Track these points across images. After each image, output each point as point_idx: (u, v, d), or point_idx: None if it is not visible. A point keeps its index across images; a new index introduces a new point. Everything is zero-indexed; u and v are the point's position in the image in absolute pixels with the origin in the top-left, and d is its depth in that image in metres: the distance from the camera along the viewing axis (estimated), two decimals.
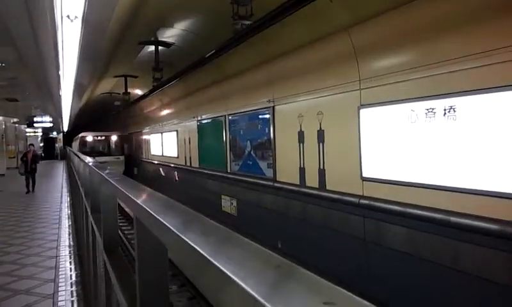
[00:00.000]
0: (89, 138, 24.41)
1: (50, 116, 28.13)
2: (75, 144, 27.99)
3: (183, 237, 0.74)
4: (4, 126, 23.29)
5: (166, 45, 9.84)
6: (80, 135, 24.80)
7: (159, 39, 9.62)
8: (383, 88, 5.15)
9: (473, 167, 4.09)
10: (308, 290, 0.48)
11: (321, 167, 6.48)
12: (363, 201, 5.47)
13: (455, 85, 4.18)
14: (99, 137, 24.41)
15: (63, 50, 8.56)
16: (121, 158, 23.61)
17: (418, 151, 4.72)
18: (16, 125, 27.33)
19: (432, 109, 4.47)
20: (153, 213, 0.95)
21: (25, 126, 31.97)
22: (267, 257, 0.61)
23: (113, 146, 24.27)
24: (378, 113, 5.26)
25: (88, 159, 5.46)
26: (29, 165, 14.60)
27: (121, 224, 11.93)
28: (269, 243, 7.42)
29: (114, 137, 24.35)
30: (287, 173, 7.49)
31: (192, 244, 0.69)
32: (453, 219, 4.19)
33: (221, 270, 0.56)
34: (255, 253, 0.64)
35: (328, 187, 6.34)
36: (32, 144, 17.09)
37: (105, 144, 24.52)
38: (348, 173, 5.81)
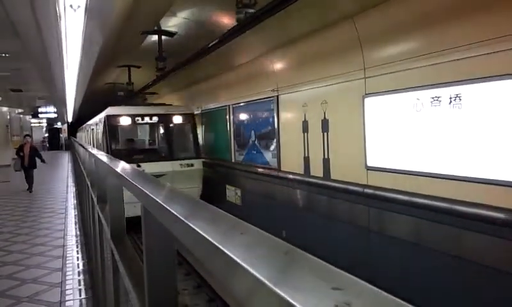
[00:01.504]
0: (125, 120, 10.88)
1: (55, 106, 28.19)
2: (87, 135, 19.05)
3: (190, 225, 0.75)
4: (8, 117, 23.38)
5: (169, 34, 9.79)
6: (107, 113, 10.98)
7: (162, 28, 9.58)
8: (387, 77, 5.12)
9: (478, 155, 4.07)
10: (316, 276, 0.49)
11: (325, 156, 6.48)
12: (367, 191, 5.48)
13: (460, 73, 4.15)
14: (146, 119, 11.18)
15: (66, 40, 8.54)
16: (197, 165, 10.89)
17: (423, 140, 4.70)
18: (21, 115, 27.43)
19: (438, 97, 4.44)
20: (160, 202, 0.96)
21: (30, 117, 32.11)
22: (274, 244, 0.62)
23: (175, 137, 11.52)
24: (383, 102, 5.24)
25: (95, 150, 4.83)
26: (26, 161, 12.26)
27: None
28: (273, 232, 7.37)
29: (177, 119, 11.44)
30: (291, 163, 7.49)
31: (200, 231, 0.70)
32: (458, 207, 4.19)
33: (229, 257, 0.57)
34: (263, 240, 0.65)
35: (332, 177, 6.34)
36: (28, 135, 14.16)
37: (159, 133, 12.36)
38: (353, 163, 5.81)
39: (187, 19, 8.90)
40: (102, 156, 2.92)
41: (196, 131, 11.35)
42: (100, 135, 11.58)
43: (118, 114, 10.72)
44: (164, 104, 12.61)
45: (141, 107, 12.00)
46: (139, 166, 7.39)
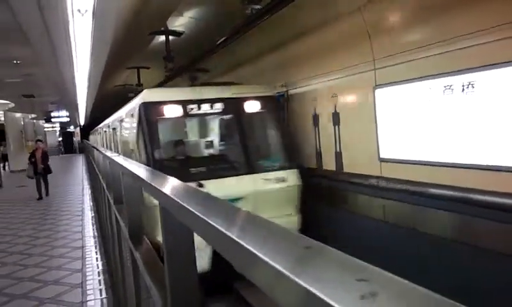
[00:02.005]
0: (174, 110, 6.36)
1: (67, 110, 28.56)
2: (102, 139, 15.66)
3: (210, 221, 0.76)
4: (22, 123, 23.77)
5: (177, 34, 9.82)
6: (143, 99, 6.28)
7: (169, 28, 9.61)
8: (398, 67, 5.07)
9: (493, 143, 4.01)
10: (340, 268, 0.49)
11: (337, 149, 6.45)
12: (381, 183, 5.44)
13: (473, 60, 4.08)
14: (206, 108, 6.53)
15: (75, 44, 8.64)
16: (292, 179, 6.42)
17: (436, 130, 4.64)
18: (34, 120, 27.86)
19: (450, 85, 4.38)
20: (178, 200, 0.97)
21: (43, 121, 32.60)
22: (296, 238, 0.62)
23: (254, 135, 7.08)
24: (394, 92, 5.19)
25: (109, 153, 4.31)
26: (38, 166, 12.10)
27: None
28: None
29: (254, 106, 6.79)
30: (303, 157, 7.47)
31: (219, 227, 0.71)
32: (473, 196, 4.14)
33: (250, 251, 0.58)
34: (284, 235, 0.66)
35: (345, 170, 6.31)
36: (40, 140, 13.94)
37: (226, 130, 7.56)
38: (365, 155, 5.77)
39: (194, 18, 8.92)
40: (116, 157, 2.95)
41: (283, 123, 7.04)
42: (130, 138, 7.06)
43: (161, 101, 6.12)
44: (227, 83, 7.21)
45: (195, 89, 6.91)
46: (200, 186, 5.04)
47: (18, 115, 22.88)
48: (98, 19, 6.94)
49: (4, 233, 7.86)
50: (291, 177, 6.32)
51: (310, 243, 0.58)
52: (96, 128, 22.18)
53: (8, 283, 5.14)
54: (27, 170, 12.37)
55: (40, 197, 11.94)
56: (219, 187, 5.47)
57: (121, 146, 8.87)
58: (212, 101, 6.45)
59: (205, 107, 6.46)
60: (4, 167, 22.57)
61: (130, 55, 11.96)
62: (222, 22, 7.95)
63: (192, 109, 6.34)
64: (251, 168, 6.17)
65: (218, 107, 6.54)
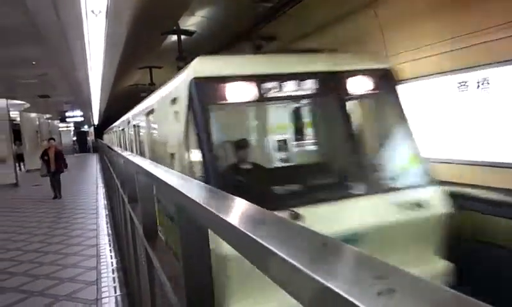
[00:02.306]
0: (243, 91, 3.73)
1: (81, 110, 28.94)
2: (120, 139, 13.80)
3: (225, 219, 0.76)
4: (38, 123, 24.19)
5: (188, 33, 9.88)
6: (195, 72, 3.67)
7: (181, 28, 9.67)
8: (410, 64, 5.00)
9: None
10: (358, 266, 0.49)
11: None
12: None
13: (490, 56, 4.01)
14: (291, 87, 3.86)
15: (89, 44, 8.75)
16: (439, 201, 3.75)
17: (452, 126, 4.57)
18: (49, 120, 28.31)
19: (465, 82, 4.31)
20: (194, 198, 0.98)
21: (58, 121, 33.11)
22: (312, 235, 0.63)
23: (369, 131, 4.59)
24: (412, 89, 5.11)
25: (125, 152, 4.06)
26: (52, 166, 11.93)
27: None
28: None
29: (364, 84, 4.17)
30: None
31: (235, 224, 0.72)
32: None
33: (267, 248, 0.58)
34: (300, 232, 0.66)
35: None
36: (53, 138, 13.32)
37: (328, 123, 4.66)
38: None
39: (205, 17, 8.96)
40: (131, 156, 2.99)
41: (404, 113, 4.29)
42: (168, 137, 4.75)
43: (224, 77, 3.75)
44: (318, 51, 4.71)
45: (272, 57, 4.56)
46: (296, 217, 3.17)
47: (33, 115, 23.28)
48: (112, 20, 7.02)
49: (20, 231, 8.02)
50: (435, 199, 3.75)
51: (327, 240, 0.58)
52: (111, 127, 20.48)
53: (24, 280, 5.25)
54: (41, 169, 12.33)
55: (55, 196, 11.97)
56: (323, 218, 3.28)
57: (150, 149, 6.45)
58: (301, 76, 3.92)
59: (290, 86, 3.89)
60: (19, 166, 23.00)
61: (142, 55, 12.07)
62: (233, 22, 7.95)
63: (270, 89, 3.82)
64: (370, 186, 3.71)
65: (311, 86, 3.97)
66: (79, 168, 21.46)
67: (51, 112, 25.85)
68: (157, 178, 1.46)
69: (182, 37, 10.14)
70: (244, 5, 6.55)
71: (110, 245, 6.56)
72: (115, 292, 4.65)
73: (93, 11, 6.75)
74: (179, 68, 10.70)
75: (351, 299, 0.41)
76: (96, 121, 37.92)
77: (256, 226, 0.72)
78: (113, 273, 5.27)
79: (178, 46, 10.32)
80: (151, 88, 15.43)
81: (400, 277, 0.44)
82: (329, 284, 0.44)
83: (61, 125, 35.41)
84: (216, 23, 9.00)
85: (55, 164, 11.91)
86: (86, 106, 24.29)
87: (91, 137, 43.84)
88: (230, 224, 0.74)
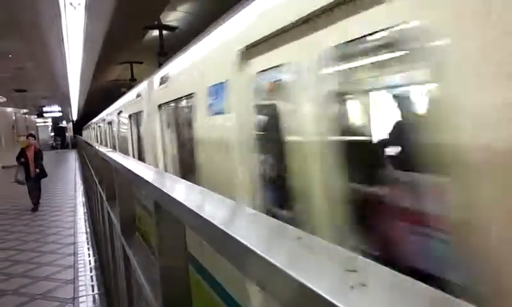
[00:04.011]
0: None
1: (59, 105, 28.34)
2: (103, 139, 11.99)
3: (203, 216, 0.75)
4: (14, 118, 23.56)
5: (170, 29, 9.79)
6: None
7: (163, 23, 9.57)
8: None
9: None
10: (330, 259, 0.50)
11: None
12: None
13: None
14: None
15: (67, 38, 8.57)
16: None
17: None
18: (27, 115, 27.61)
19: None
20: (171, 194, 0.97)
21: (36, 116, 32.34)
22: (286, 230, 0.62)
23: None
24: None
25: (102, 148, 4.12)
26: (31, 170, 9.30)
27: None
28: None
29: None
30: None
31: (213, 221, 0.71)
32: None
33: (243, 245, 0.58)
34: (274, 226, 0.66)
35: None
36: (32, 135, 10.67)
37: None
38: None
39: (188, 13, 8.89)
40: (109, 152, 2.94)
41: None
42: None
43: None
44: None
45: None
46: None
47: (9, 110, 22.66)
48: (91, 13, 6.89)
49: None
50: None
51: (301, 234, 0.58)
52: (90, 123, 19.35)
53: None
54: (17, 173, 9.39)
55: (35, 208, 9.28)
56: None
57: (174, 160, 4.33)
58: None
59: None
60: None
61: (123, 49, 11.89)
62: (216, 18, 7.91)
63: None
64: None
65: None
66: (57, 165, 21.02)
67: (28, 107, 25.22)
68: (133, 173, 1.44)
69: (164, 32, 10.04)
70: (227, 1, 6.52)
71: (88, 243, 6.45)
72: (93, 291, 4.57)
73: (71, 4, 6.61)
74: (160, 64, 10.62)
75: (324, 294, 0.40)
76: (75, 117, 37.20)
77: (231, 221, 0.72)
78: (91, 271, 5.19)
79: (160, 41, 10.22)
80: (132, 84, 15.26)
81: (371, 270, 0.45)
82: (302, 280, 0.43)
83: (38, 120, 34.58)
84: (198, 18, 8.94)
85: (34, 168, 9.38)
86: (64, 101, 23.80)
87: (69, 133, 42.99)
88: (205, 220, 0.73)
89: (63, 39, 8.56)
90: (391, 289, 0.42)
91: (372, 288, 0.41)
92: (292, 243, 0.56)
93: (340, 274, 0.45)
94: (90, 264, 5.47)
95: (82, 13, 6.93)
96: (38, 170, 9.40)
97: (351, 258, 0.49)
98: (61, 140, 42.07)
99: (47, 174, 9.87)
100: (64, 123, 43.18)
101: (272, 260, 0.49)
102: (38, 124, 34.74)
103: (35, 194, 9.43)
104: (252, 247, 0.55)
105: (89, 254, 5.93)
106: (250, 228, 0.68)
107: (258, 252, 0.53)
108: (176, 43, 10.35)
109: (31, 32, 8.02)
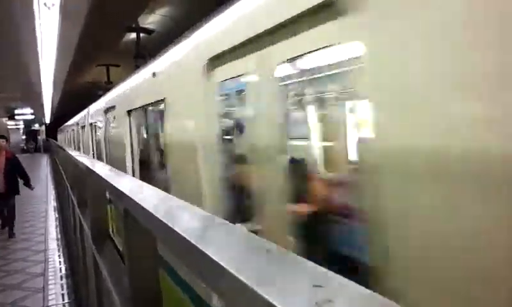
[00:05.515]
0: None
1: (31, 107, 27.56)
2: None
3: (171, 226, 0.74)
4: None
5: (148, 31, 9.69)
6: None
7: (141, 26, 9.47)
8: None
9: None
10: (297, 274, 0.49)
11: None
12: None
13: None
14: None
15: (41, 39, 8.35)
16: None
17: None
18: None
19: None
20: (141, 203, 0.95)
21: (7, 119, 31.32)
22: (256, 242, 0.62)
23: None
24: None
25: (74, 152, 4.62)
26: (2, 183, 7.13)
27: None
28: None
29: None
30: None
31: (181, 233, 0.69)
32: None
33: (209, 258, 0.57)
34: (244, 238, 0.65)
35: None
36: (3, 137, 7.91)
37: None
38: None
39: (165, 16, 8.82)
40: (81, 157, 2.86)
41: None
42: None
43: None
44: None
45: None
46: None
47: None
48: (66, 14, 6.74)
49: None
50: None
51: (270, 246, 0.58)
52: (68, 124, 17.72)
53: None
54: None
55: (11, 234, 7.06)
56: None
57: None
58: None
59: None
60: None
61: (99, 52, 11.69)
62: (195, 21, 7.88)
63: None
64: None
65: None
66: (29, 169, 20.35)
67: None
68: (103, 179, 1.40)
69: (141, 35, 9.93)
70: (205, 4, 6.51)
71: (59, 251, 6.26)
72: (63, 300, 4.43)
73: (45, 4, 6.45)
74: (137, 67, 10.50)
75: None
76: (48, 120, 36.24)
77: (202, 234, 0.70)
78: (61, 279, 5.03)
79: (137, 44, 10.10)
80: (108, 87, 15.01)
81: (337, 286, 0.45)
82: (270, 299, 0.43)
83: (9, 122, 33.49)
84: (176, 22, 8.88)
85: (5, 181, 7.15)
86: (37, 103, 23.15)
87: (42, 136, 41.80)
88: (176, 232, 0.71)
89: (36, 40, 8.33)
90: (355, 304, 0.41)
91: (337, 304, 0.40)
92: (260, 257, 0.56)
93: (307, 290, 0.44)
94: (61, 272, 5.31)
95: (57, 14, 6.77)
96: (5, 186, 7.12)
97: (318, 272, 0.48)
98: (34, 143, 40.85)
99: (18, 191, 7.56)
100: (36, 126, 41.98)
101: (241, 277, 0.48)
102: (9, 127, 33.63)
103: (9, 215, 7.21)
104: (222, 264, 0.53)
105: (60, 261, 5.75)
106: (221, 241, 0.67)
107: (228, 268, 0.52)
108: (153, 45, 10.26)
109: (2, 32, 7.77)
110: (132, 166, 4.53)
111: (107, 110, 6.14)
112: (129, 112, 4.46)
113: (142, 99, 3.97)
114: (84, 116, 9.56)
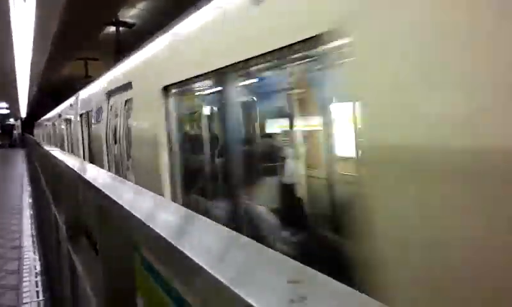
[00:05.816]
0: None
1: (6, 102, 26.78)
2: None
3: (148, 224, 0.72)
4: None
5: (128, 25, 9.54)
6: None
7: (120, 19, 9.31)
8: None
9: None
10: (273, 269, 0.48)
11: None
12: None
13: None
14: None
15: (16, 32, 8.11)
16: None
17: None
18: None
19: None
20: (116, 199, 0.92)
21: None
22: (233, 239, 0.61)
23: None
24: None
25: (48, 146, 4.66)
26: None
27: None
28: None
29: None
30: None
31: (158, 231, 0.68)
32: None
33: (186, 256, 0.55)
34: (222, 236, 0.64)
35: None
36: None
37: None
38: None
39: (145, 10, 8.70)
40: (56, 151, 2.79)
41: None
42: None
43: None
44: None
45: None
46: None
47: None
48: (42, 6, 6.56)
49: None
50: None
51: (249, 242, 0.57)
52: (46, 118, 16.17)
53: None
54: None
55: None
56: None
57: None
58: None
59: None
60: None
61: (77, 46, 11.44)
62: (175, 15, 7.80)
63: None
64: None
65: None
66: (2, 165, 19.85)
67: None
68: (77, 174, 1.36)
69: (121, 29, 9.77)
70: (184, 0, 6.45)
71: (34, 248, 6.10)
72: (38, 297, 4.32)
73: None
74: (116, 61, 10.33)
75: None
76: (24, 114, 35.30)
77: (178, 230, 0.69)
78: (36, 277, 4.91)
79: (117, 38, 9.93)
80: (87, 81, 14.71)
81: (312, 281, 0.44)
82: (243, 296, 0.42)
83: None
84: (156, 16, 8.77)
85: None
86: (12, 97, 22.51)
87: (18, 131, 40.68)
88: (154, 231, 0.68)
89: (11, 33, 8.09)
90: (330, 300, 0.41)
91: (311, 300, 0.40)
92: (237, 253, 0.55)
93: (282, 287, 0.43)
94: (36, 269, 5.18)
95: (33, 7, 6.59)
96: None
97: (294, 267, 0.48)
98: (9, 138, 39.71)
99: None
100: (12, 121, 40.82)
101: (216, 275, 0.47)
102: None
103: None
104: (197, 261, 0.52)
105: (35, 258, 5.61)
106: (197, 238, 0.65)
107: (204, 266, 0.50)
108: (133, 39, 10.10)
109: None
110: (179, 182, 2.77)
111: (114, 91, 4.63)
112: (166, 89, 2.81)
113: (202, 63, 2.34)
114: (71, 105, 7.64)
